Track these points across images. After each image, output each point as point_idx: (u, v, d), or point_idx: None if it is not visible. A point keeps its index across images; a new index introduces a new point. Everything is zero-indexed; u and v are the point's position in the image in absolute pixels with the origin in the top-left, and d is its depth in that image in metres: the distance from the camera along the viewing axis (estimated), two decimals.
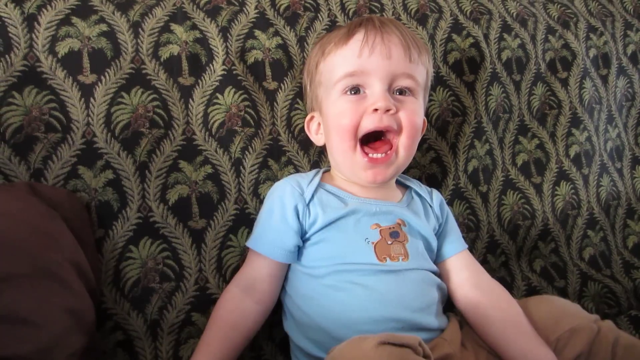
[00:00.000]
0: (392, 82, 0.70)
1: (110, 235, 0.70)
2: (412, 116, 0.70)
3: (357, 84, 0.70)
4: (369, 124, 0.69)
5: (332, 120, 0.72)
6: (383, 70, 0.69)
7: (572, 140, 1.04)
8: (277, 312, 0.73)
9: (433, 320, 0.66)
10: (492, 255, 0.93)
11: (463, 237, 0.78)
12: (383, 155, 0.70)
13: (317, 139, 0.78)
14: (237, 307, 0.68)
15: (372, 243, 0.67)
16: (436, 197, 0.79)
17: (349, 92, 0.71)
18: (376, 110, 0.68)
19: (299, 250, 0.70)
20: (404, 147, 0.70)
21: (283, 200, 0.70)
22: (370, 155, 0.70)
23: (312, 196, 0.71)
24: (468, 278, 0.73)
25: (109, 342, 0.69)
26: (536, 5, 1.11)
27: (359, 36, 0.71)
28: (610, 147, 1.08)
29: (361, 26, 0.72)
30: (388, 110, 0.68)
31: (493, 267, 0.93)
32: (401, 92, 0.71)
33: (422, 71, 0.73)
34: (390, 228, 0.69)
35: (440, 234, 0.76)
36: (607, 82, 1.11)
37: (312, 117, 0.78)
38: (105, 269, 0.69)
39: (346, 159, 0.71)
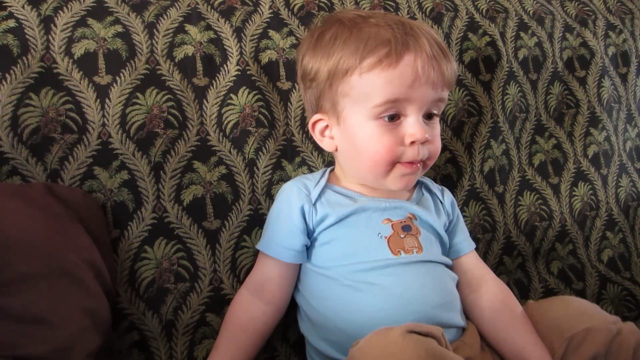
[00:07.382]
0: (428, 108, 0.67)
1: (126, 235, 0.71)
2: (439, 142, 0.70)
3: (397, 111, 0.65)
4: (406, 156, 0.66)
5: (364, 144, 0.67)
6: (426, 99, 0.65)
7: (591, 140, 1.02)
8: (291, 313, 0.73)
9: (454, 317, 0.65)
10: (508, 257, 0.92)
11: (478, 238, 0.77)
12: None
13: (328, 143, 0.72)
14: (247, 310, 0.69)
15: (385, 237, 0.67)
16: (447, 195, 0.78)
17: (385, 118, 0.65)
18: (413, 143, 0.65)
19: (311, 251, 0.69)
20: (426, 165, 0.71)
21: (290, 202, 0.70)
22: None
23: (319, 196, 0.70)
24: (474, 278, 0.73)
25: (124, 342, 0.69)
26: (553, 3, 1.09)
27: (409, 61, 0.64)
28: (629, 147, 1.06)
29: (409, 48, 0.64)
30: (425, 142, 0.66)
31: (509, 269, 0.92)
32: (430, 114, 0.68)
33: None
34: (401, 222, 0.69)
35: (449, 232, 0.75)
36: (626, 80, 1.09)
37: (319, 120, 0.71)
38: (121, 269, 0.70)
39: (376, 179, 0.69)
